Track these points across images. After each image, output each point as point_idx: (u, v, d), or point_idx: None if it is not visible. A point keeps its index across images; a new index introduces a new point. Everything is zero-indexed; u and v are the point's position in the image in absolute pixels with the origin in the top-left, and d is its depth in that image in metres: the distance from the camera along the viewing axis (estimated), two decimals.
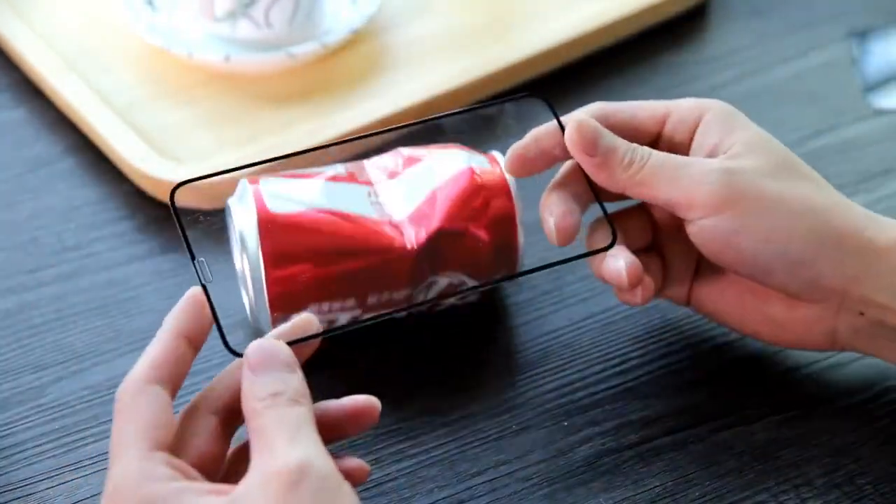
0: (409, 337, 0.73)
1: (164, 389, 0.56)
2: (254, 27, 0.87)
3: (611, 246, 0.66)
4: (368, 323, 0.65)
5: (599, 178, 0.66)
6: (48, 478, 0.68)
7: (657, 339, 0.74)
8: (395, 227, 0.69)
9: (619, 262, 0.66)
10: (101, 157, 0.84)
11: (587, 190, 0.67)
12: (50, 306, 0.76)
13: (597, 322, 0.75)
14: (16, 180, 0.84)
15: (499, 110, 0.75)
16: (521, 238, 0.71)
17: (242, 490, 0.53)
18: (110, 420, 0.56)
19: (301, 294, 0.68)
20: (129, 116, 0.85)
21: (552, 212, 0.67)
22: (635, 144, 0.66)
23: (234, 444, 0.60)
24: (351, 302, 0.70)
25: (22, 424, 0.70)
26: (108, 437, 0.59)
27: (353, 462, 0.58)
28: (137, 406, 0.55)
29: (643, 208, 0.71)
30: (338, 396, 0.60)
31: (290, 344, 0.58)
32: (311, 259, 0.68)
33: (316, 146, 0.82)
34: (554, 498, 0.67)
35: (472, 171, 0.70)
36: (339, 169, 0.71)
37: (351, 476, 0.56)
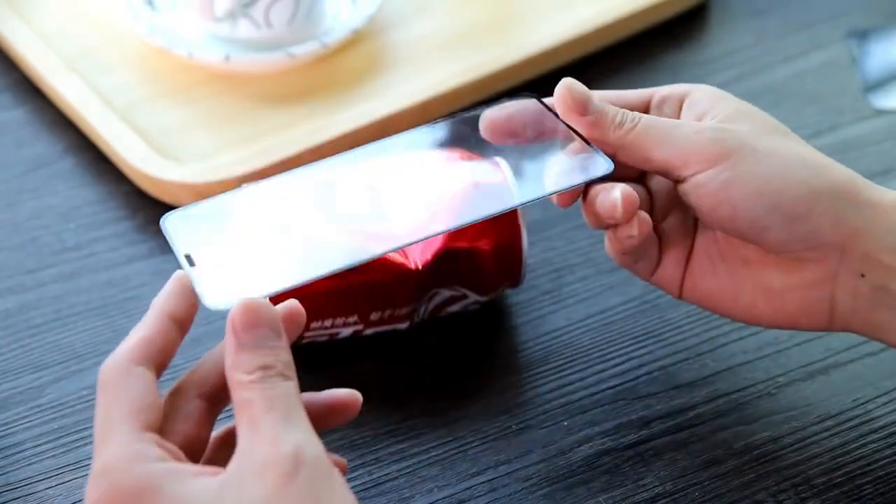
0: (409, 337, 0.73)
1: (148, 370, 0.55)
2: (254, 27, 0.87)
3: (609, 174, 0.65)
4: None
5: (592, 138, 0.65)
6: (48, 478, 0.68)
7: (657, 339, 0.74)
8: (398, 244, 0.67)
9: (614, 192, 0.64)
10: (101, 157, 0.84)
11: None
12: (50, 306, 0.76)
13: (597, 322, 0.75)
14: (16, 180, 0.83)
15: None
16: (525, 248, 0.71)
17: (235, 471, 0.52)
18: None
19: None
20: (129, 116, 0.85)
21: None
22: (625, 109, 0.66)
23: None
24: (353, 318, 0.70)
25: (21, 424, 0.70)
26: None
27: (332, 456, 0.57)
28: (124, 386, 0.54)
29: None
30: None
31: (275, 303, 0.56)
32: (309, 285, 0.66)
33: (313, 149, 0.82)
34: (554, 498, 0.67)
35: (478, 187, 0.69)
36: (340, 164, 0.70)
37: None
